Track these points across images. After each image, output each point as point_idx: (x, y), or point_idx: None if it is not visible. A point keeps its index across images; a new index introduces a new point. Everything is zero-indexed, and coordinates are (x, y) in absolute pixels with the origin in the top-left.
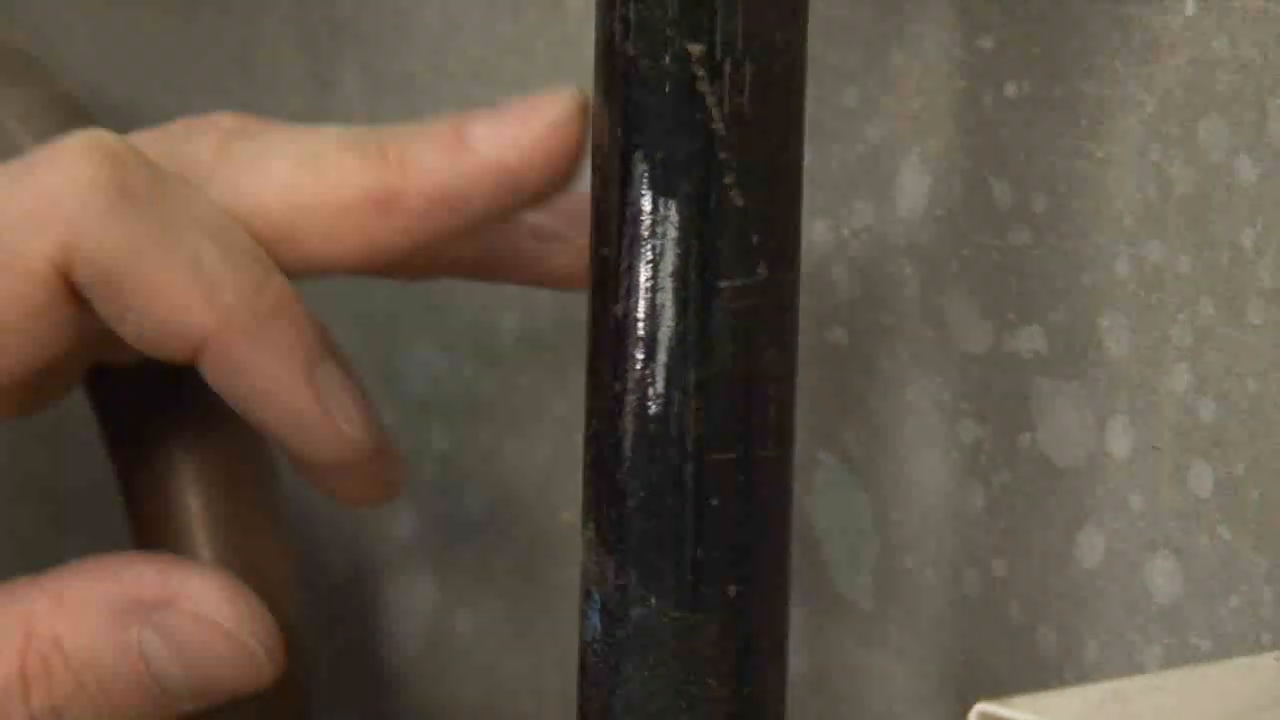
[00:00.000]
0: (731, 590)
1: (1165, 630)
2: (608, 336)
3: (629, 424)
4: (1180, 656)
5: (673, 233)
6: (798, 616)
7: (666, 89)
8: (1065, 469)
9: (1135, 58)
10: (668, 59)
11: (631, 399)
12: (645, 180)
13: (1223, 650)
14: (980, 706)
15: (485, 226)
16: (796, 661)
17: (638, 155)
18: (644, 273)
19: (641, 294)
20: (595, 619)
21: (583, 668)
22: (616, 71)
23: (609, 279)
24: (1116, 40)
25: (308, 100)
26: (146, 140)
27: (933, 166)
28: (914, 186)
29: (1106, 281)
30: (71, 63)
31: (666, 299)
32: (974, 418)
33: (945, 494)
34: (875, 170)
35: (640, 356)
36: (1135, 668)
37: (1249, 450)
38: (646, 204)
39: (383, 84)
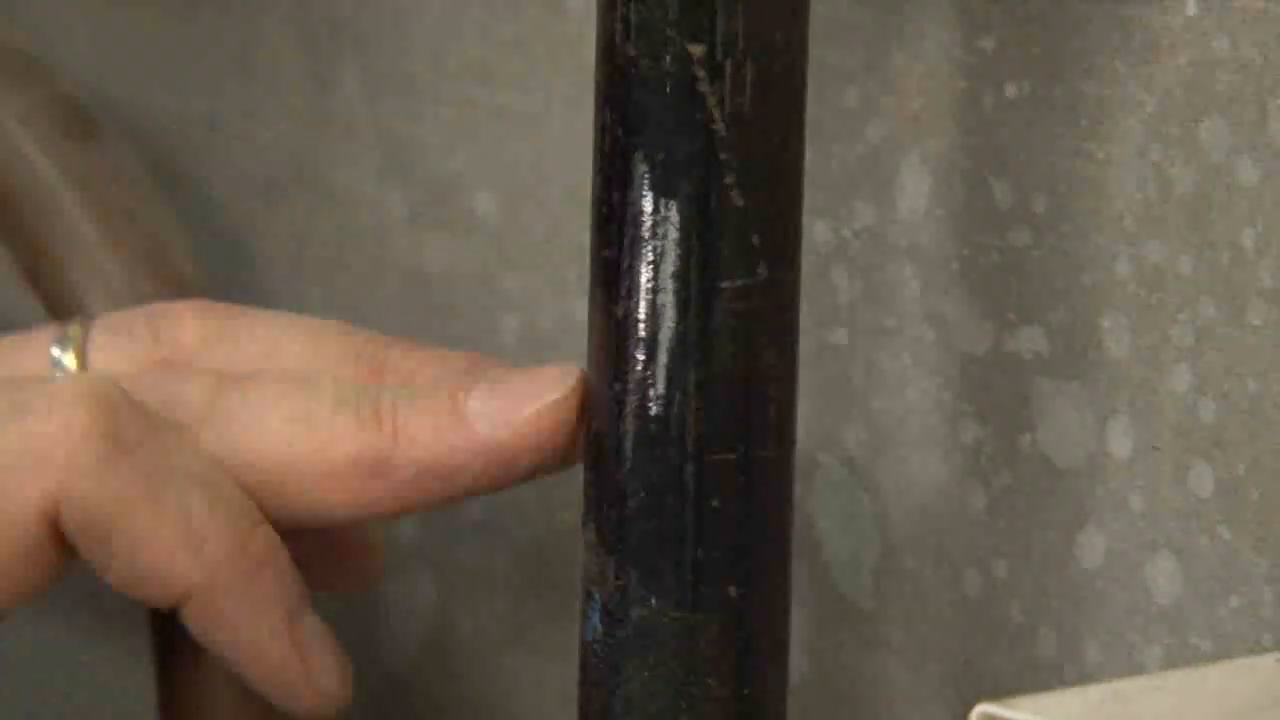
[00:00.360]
0: (732, 590)
1: (1166, 630)
2: (609, 337)
3: (630, 424)
4: (1180, 657)
5: (673, 233)
6: (798, 617)
7: (667, 89)
8: (1066, 469)
9: (1136, 58)
10: (668, 60)
11: (632, 399)
12: (646, 181)
13: (1223, 650)
14: (981, 707)
15: (478, 494)
16: (797, 662)
17: (638, 156)
18: (645, 273)
19: (642, 294)
20: (595, 619)
21: (583, 668)
22: (617, 72)
23: (610, 280)
24: (1117, 40)
25: (308, 100)
26: (138, 377)
27: (933, 167)
28: (914, 187)
29: (1107, 282)
30: (72, 62)
31: (667, 299)
32: (974, 418)
33: (946, 495)
34: (876, 170)
35: (641, 357)
36: (1136, 668)
37: (1249, 450)
38: (647, 204)
39: (383, 84)
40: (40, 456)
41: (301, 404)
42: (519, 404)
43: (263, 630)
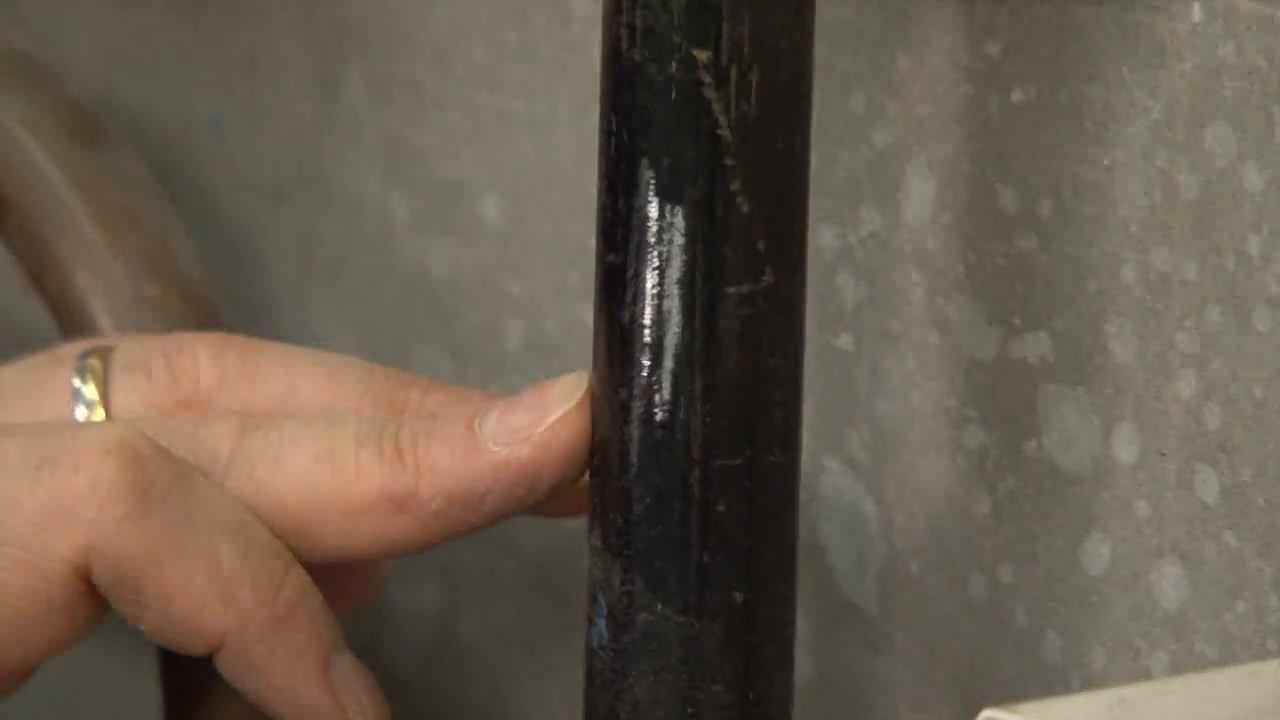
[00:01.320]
0: (737, 596)
1: (1171, 636)
2: (614, 342)
3: (635, 430)
4: (1186, 663)
5: (679, 239)
6: (803, 622)
7: (672, 95)
8: (1071, 475)
9: (1141, 64)
10: (674, 65)
11: (637, 405)
12: (651, 186)
13: (1229, 656)
14: (987, 713)
15: (503, 519)
16: (802, 667)
17: (644, 161)
18: (650, 279)
19: (648, 300)
20: (601, 625)
21: (589, 674)
22: (623, 77)
23: (615, 285)
24: (1123, 46)
25: (313, 104)
26: (162, 423)
27: (939, 172)
28: (920, 192)
29: (1113, 288)
30: (77, 66)
31: (673, 305)
32: (980, 424)
33: (951, 500)
34: (882, 176)
35: (646, 363)
36: (1141, 674)
37: (1255, 456)
38: (653, 210)
39: (388, 88)
40: (69, 511)
41: (325, 443)
42: (533, 420)
43: (297, 674)
